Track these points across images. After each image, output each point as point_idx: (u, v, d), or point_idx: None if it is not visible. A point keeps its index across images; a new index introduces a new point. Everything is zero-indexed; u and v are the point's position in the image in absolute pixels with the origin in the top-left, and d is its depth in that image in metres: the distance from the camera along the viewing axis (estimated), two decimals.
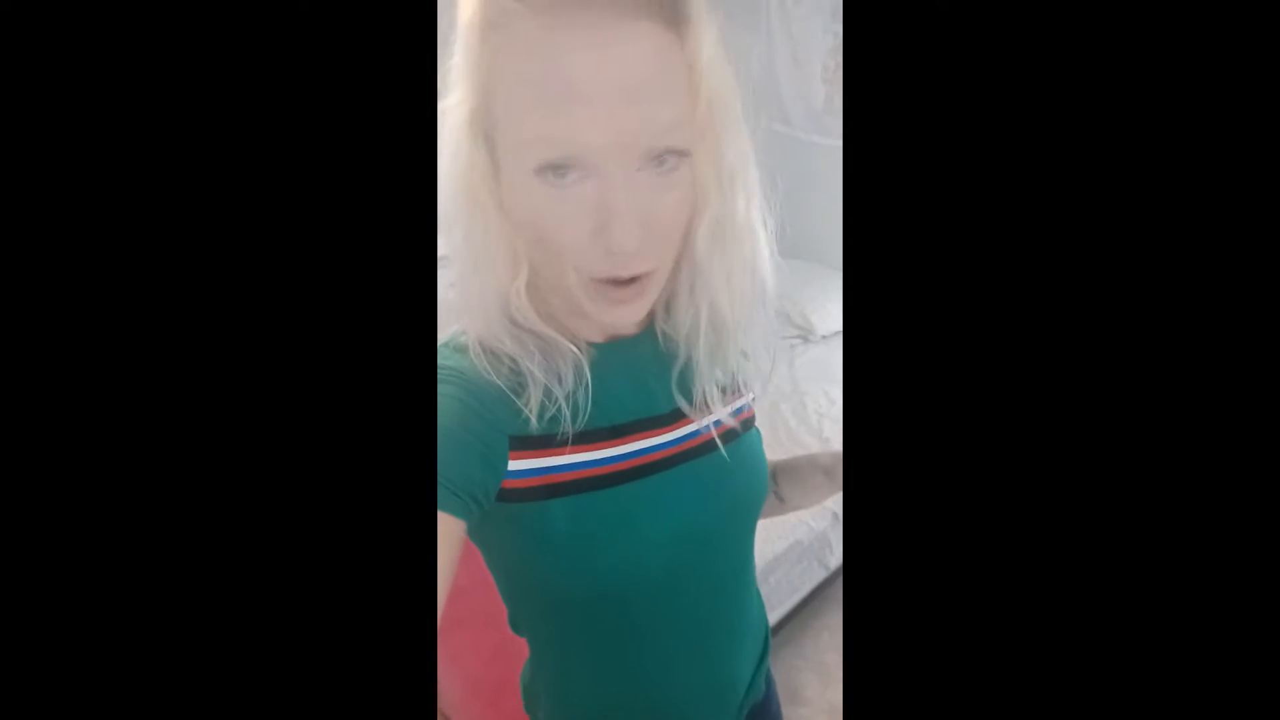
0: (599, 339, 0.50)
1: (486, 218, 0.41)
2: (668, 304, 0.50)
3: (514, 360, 0.45)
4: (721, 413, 0.53)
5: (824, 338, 2.12)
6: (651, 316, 0.51)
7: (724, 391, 0.53)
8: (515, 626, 0.57)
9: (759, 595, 0.66)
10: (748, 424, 0.58)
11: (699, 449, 0.53)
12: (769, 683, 0.69)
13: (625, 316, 0.43)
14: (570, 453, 0.47)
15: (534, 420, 0.44)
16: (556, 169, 0.37)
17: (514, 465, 0.45)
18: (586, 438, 0.47)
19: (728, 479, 0.54)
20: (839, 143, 1.91)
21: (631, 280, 0.41)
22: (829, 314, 2.10)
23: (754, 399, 0.59)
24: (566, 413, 0.45)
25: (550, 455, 0.46)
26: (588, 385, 0.46)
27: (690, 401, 0.52)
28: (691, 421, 0.52)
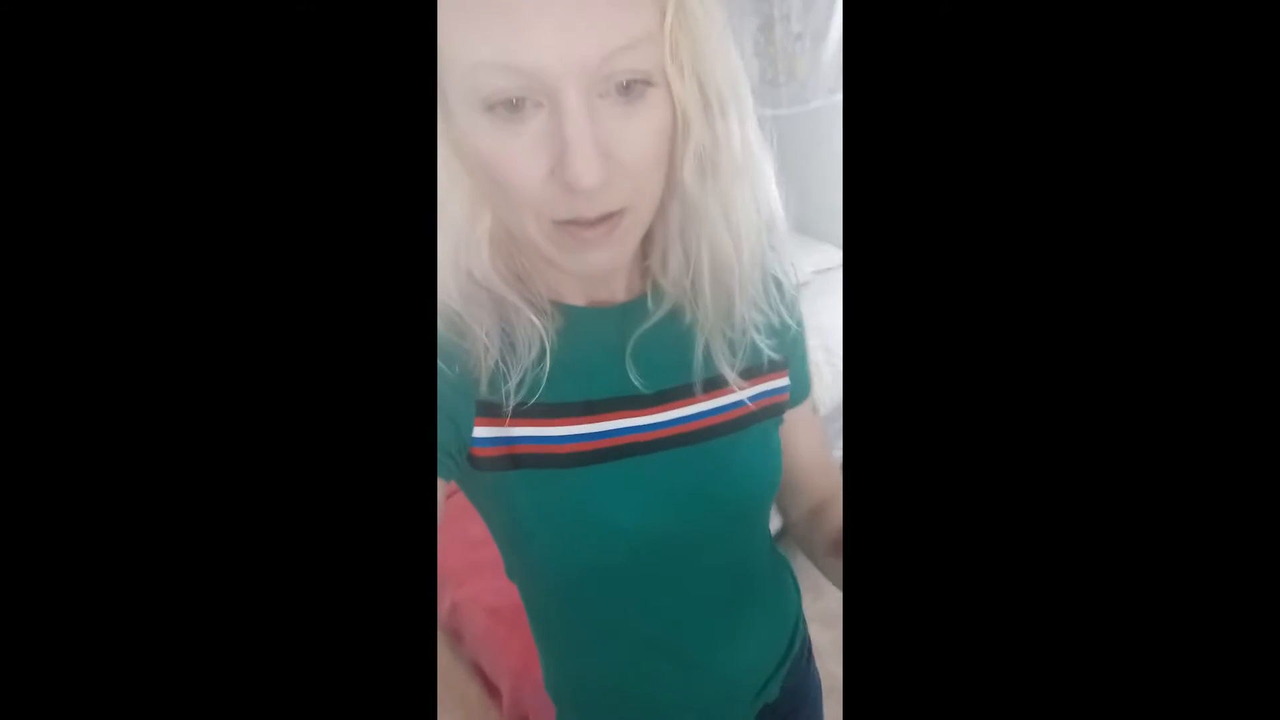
0: (581, 302, 0.45)
1: (450, 162, 0.36)
2: (663, 256, 0.44)
3: (465, 322, 0.40)
4: (740, 393, 0.46)
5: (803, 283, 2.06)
6: (645, 279, 0.46)
7: (737, 358, 0.46)
8: (510, 576, 0.54)
9: (783, 591, 0.59)
10: (771, 410, 0.50)
11: (690, 436, 0.46)
12: (791, 688, 0.61)
13: (599, 262, 0.38)
14: (534, 425, 0.43)
15: (483, 388, 0.41)
16: (507, 103, 0.32)
17: (479, 432, 0.42)
18: (555, 411, 0.43)
19: (720, 476, 0.48)
20: (778, 111, 1.89)
21: (600, 221, 0.36)
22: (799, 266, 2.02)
23: (785, 382, 0.51)
24: (512, 384, 0.41)
25: (515, 425, 0.42)
26: (546, 358, 0.42)
27: (701, 377, 0.45)
28: (683, 404, 0.46)
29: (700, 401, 0.47)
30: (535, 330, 0.41)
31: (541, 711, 1.11)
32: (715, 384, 0.47)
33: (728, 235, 0.41)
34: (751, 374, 0.48)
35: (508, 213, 0.37)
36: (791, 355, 0.53)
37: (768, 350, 0.47)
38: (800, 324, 0.53)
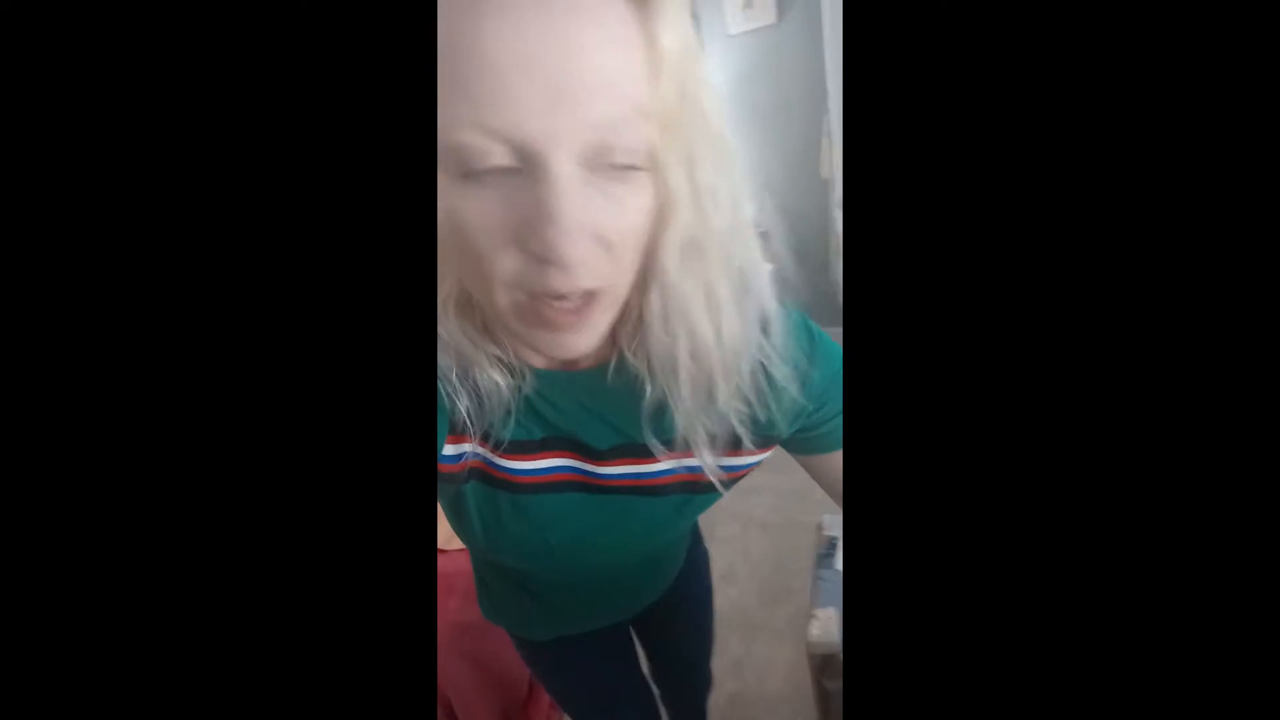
0: (542, 364, 0.43)
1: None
2: (636, 332, 0.41)
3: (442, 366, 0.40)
4: (704, 460, 0.44)
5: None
6: (613, 349, 0.43)
7: (714, 439, 0.43)
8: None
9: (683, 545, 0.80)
10: (700, 484, 0.48)
11: (629, 489, 0.48)
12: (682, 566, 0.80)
13: (569, 346, 0.36)
14: (491, 453, 0.45)
15: (455, 427, 0.43)
16: (487, 162, 0.30)
17: (447, 450, 0.44)
18: (512, 447, 0.45)
19: (642, 525, 0.51)
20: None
21: (574, 299, 0.33)
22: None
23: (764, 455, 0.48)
24: (476, 433, 0.43)
25: (478, 446, 0.45)
26: (512, 418, 0.43)
27: (663, 440, 0.44)
28: (633, 463, 0.47)
29: (653, 462, 0.47)
30: (502, 393, 0.41)
31: None
32: (665, 449, 0.45)
33: (709, 324, 0.38)
34: (727, 447, 0.45)
35: (477, 283, 0.34)
36: (824, 423, 0.48)
37: (748, 439, 0.44)
38: (827, 397, 0.47)
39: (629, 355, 0.42)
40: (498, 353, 0.41)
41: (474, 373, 0.40)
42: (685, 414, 0.42)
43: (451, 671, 1.25)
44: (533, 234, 0.31)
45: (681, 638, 0.91)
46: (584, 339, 0.36)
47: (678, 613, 0.85)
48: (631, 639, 0.88)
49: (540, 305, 0.34)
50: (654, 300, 0.38)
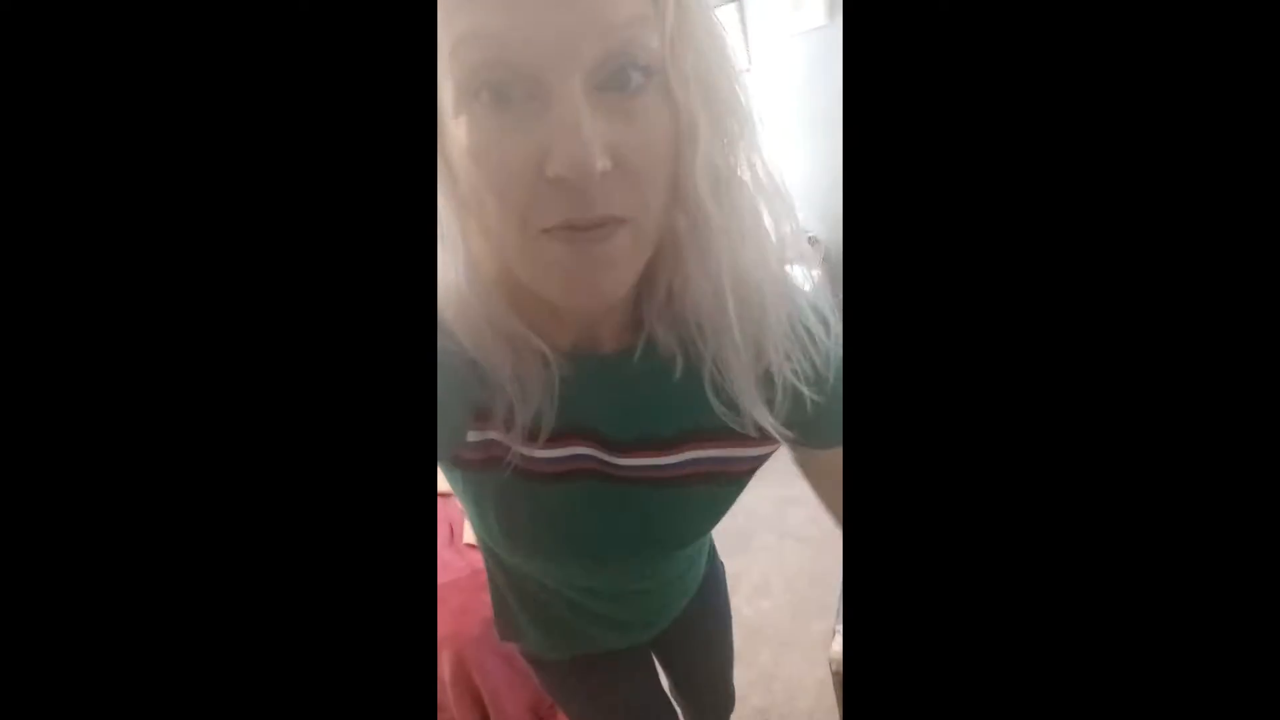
0: (566, 347, 0.42)
1: (442, 168, 0.33)
2: (667, 307, 0.40)
3: (473, 356, 0.39)
4: (764, 420, 0.41)
5: None
6: (639, 333, 0.42)
7: (776, 404, 0.41)
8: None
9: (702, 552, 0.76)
10: (723, 475, 0.48)
11: (649, 482, 0.47)
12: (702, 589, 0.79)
13: (600, 287, 0.33)
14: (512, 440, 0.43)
15: (478, 412, 0.42)
16: (494, 91, 0.30)
17: (471, 437, 0.44)
18: (534, 435, 0.43)
19: (665, 522, 0.51)
20: None
21: (594, 227, 0.32)
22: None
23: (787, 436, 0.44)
24: (520, 422, 0.40)
25: (497, 433, 0.44)
26: (554, 403, 0.41)
27: (693, 427, 0.44)
28: (653, 454, 0.46)
29: (670, 454, 0.46)
30: (546, 378, 0.40)
31: None
32: (685, 439, 0.46)
33: (750, 255, 0.37)
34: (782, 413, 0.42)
35: (498, 222, 0.33)
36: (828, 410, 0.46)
37: (810, 398, 0.41)
38: (838, 374, 0.45)
39: (659, 333, 0.41)
40: (538, 341, 0.39)
41: (514, 362, 0.39)
42: (738, 372, 0.40)
43: (484, 666, 1.27)
44: (549, 156, 0.30)
45: (703, 654, 0.88)
46: (615, 278, 0.34)
47: (697, 629, 0.83)
48: (651, 658, 0.85)
49: (567, 243, 0.32)
50: (685, 239, 0.36)
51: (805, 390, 0.41)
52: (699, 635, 0.84)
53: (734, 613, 0.91)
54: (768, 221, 0.37)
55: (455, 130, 0.31)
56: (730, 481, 0.49)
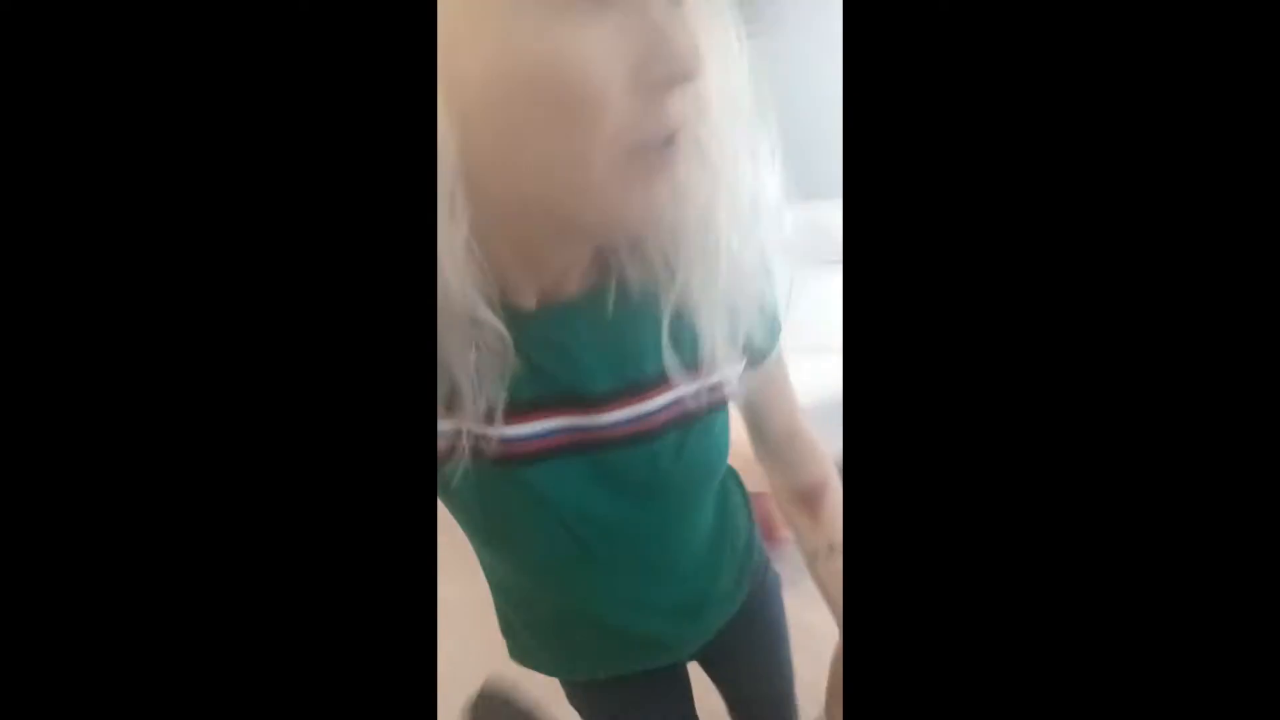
0: (532, 302, 0.40)
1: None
2: (637, 245, 0.40)
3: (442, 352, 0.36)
4: (722, 374, 0.42)
5: None
6: (609, 273, 0.41)
7: (738, 337, 0.42)
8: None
9: (726, 515, 0.64)
10: (722, 399, 0.47)
11: (640, 434, 0.45)
12: (749, 594, 0.69)
13: (656, 199, 0.33)
14: (477, 422, 0.40)
15: (464, 404, 0.39)
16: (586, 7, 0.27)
17: (440, 427, 0.41)
18: (505, 408, 0.40)
19: (671, 467, 0.47)
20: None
21: (666, 144, 0.31)
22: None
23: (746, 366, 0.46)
24: (480, 403, 0.38)
25: (462, 420, 0.41)
26: (507, 372, 0.39)
27: (689, 361, 0.42)
28: (635, 402, 0.44)
29: (653, 398, 0.44)
30: (503, 346, 0.38)
31: None
32: (666, 380, 0.43)
33: (730, 186, 0.37)
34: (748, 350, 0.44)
35: (577, 144, 0.30)
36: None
37: (758, 338, 0.43)
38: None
39: (632, 273, 0.40)
40: (490, 303, 0.35)
41: (475, 332, 0.36)
42: (709, 308, 0.39)
43: None
44: (655, 58, 0.29)
45: (761, 671, 0.79)
46: (667, 193, 0.33)
47: (751, 644, 0.75)
48: (686, 680, 0.77)
49: (641, 158, 0.31)
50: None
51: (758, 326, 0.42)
52: (754, 651, 0.76)
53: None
54: (743, 143, 0.37)
55: (533, 43, 0.28)
56: (699, 419, 0.47)
